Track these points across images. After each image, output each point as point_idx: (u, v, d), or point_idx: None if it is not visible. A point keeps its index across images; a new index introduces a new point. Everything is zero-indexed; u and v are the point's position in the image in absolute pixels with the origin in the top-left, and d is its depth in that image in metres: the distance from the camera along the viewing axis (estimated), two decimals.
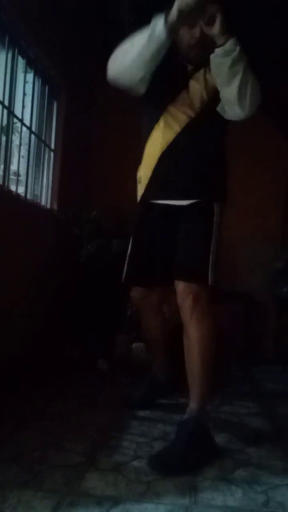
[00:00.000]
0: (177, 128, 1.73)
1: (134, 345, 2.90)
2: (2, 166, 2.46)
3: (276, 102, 3.38)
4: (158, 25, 1.52)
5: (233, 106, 1.64)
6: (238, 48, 1.53)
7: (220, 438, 1.74)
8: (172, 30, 1.53)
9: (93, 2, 3.00)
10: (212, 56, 1.58)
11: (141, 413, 2.00)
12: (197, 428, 1.59)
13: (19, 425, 1.78)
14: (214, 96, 1.70)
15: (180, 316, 1.74)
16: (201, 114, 1.72)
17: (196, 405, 1.64)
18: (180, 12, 1.47)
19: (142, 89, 1.72)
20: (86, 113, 3.58)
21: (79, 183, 3.50)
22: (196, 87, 1.74)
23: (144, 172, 1.83)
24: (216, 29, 1.51)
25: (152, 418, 1.94)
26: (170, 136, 1.74)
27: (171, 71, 1.74)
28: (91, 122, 3.61)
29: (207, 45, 1.61)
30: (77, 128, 3.43)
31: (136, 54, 1.59)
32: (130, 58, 1.61)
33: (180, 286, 1.69)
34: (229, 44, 1.52)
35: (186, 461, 1.48)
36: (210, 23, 1.52)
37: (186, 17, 1.50)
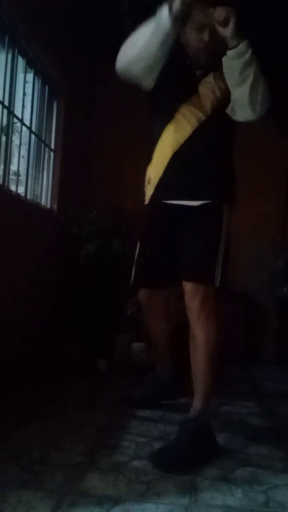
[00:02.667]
0: (189, 130, 1.74)
1: (134, 345, 2.90)
2: (2, 166, 2.46)
3: (277, 102, 3.39)
4: (163, 14, 1.57)
5: (244, 107, 1.66)
6: (250, 50, 1.57)
7: (220, 438, 1.74)
8: (176, 19, 1.57)
9: (93, 2, 3.00)
10: (224, 58, 1.61)
11: (141, 413, 2.00)
12: (199, 428, 1.61)
13: (19, 425, 1.78)
14: (223, 100, 1.73)
15: (182, 316, 1.75)
16: (211, 117, 1.75)
17: (199, 404, 1.66)
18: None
19: (150, 82, 1.73)
20: (86, 113, 3.58)
21: (79, 183, 3.50)
22: (206, 91, 1.76)
23: (154, 173, 1.83)
24: (229, 31, 1.55)
25: (152, 418, 1.94)
26: (182, 137, 1.75)
27: (181, 74, 1.77)
28: (91, 122, 3.61)
29: (216, 50, 1.65)
30: (77, 128, 3.43)
31: (143, 44, 1.62)
32: (138, 47, 1.63)
33: (188, 286, 1.70)
34: (242, 46, 1.56)
35: (186, 459, 1.49)
36: (224, 24, 1.55)
37: (188, 5, 1.56)
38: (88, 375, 2.63)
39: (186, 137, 1.74)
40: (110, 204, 3.26)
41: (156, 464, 1.47)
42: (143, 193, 1.93)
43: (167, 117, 1.78)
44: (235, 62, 1.58)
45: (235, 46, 1.56)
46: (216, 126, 1.75)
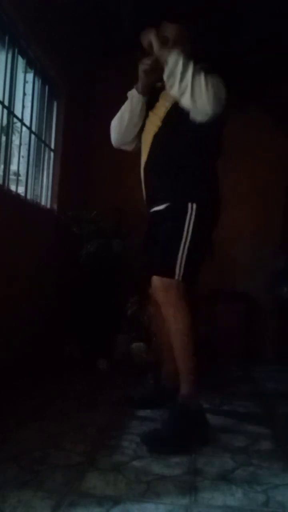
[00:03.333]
0: (149, 141, 1.94)
1: (134, 345, 2.90)
2: (2, 166, 2.46)
3: (277, 101, 3.39)
4: (133, 92, 1.95)
5: (194, 111, 1.75)
6: (180, 60, 1.71)
7: (220, 438, 1.75)
8: (145, 89, 1.93)
9: (93, 2, 3.00)
10: (163, 76, 1.77)
11: (141, 413, 2.00)
12: (186, 411, 1.72)
13: (19, 424, 1.78)
14: (176, 105, 1.82)
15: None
16: (166, 122, 1.88)
17: (185, 389, 1.77)
18: (145, 72, 1.87)
19: (138, 144, 2.05)
20: (86, 113, 3.58)
21: (79, 183, 3.50)
22: (161, 101, 1.93)
23: (143, 187, 2.03)
24: (156, 51, 1.78)
25: (152, 418, 1.93)
26: (147, 150, 1.95)
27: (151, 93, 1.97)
28: (91, 122, 3.61)
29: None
30: (77, 128, 3.43)
31: (126, 119, 1.99)
32: (123, 125, 2.01)
33: (153, 280, 1.83)
34: (170, 61, 1.73)
35: (174, 439, 1.61)
36: (151, 48, 1.79)
37: (150, 74, 1.87)
38: (88, 375, 2.63)
39: (149, 148, 1.94)
40: (110, 204, 3.26)
41: (145, 442, 1.61)
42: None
43: (140, 136, 2.03)
44: (169, 80, 1.74)
45: (165, 61, 1.74)
46: (172, 131, 1.88)
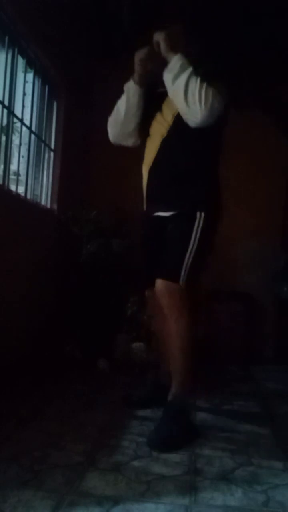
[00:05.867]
0: (157, 145, 1.92)
1: (134, 345, 2.90)
2: (2, 166, 2.46)
3: (277, 102, 3.39)
4: (130, 84, 1.93)
5: (186, 115, 1.77)
6: (180, 62, 1.73)
7: (220, 438, 1.75)
8: (141, 79, 1.90)
9: (93, 2, 3.00)
10: (163, 75, 1.79)
11: (141, 413, 2.00)
12: (178, 410, 1.76)
13: (19, 424, 1.78)
14: None
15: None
16: (174, 129, 1.87)
17: (176, 390, 1.81)
18: (141, 61, 1.85)
19: (137, 141, 2.04)
20: (86, 113, 3.57)
21: (79, 183, 3.50)
22: (167, 104, 1.89)
23: (143, 189, 2.02)
24: (163, 52, 1.77)
25: (152, 418, 1.93)
26: (153, 153, 1.93)
27: (151, 96, 1.96)
28: (91, 122, 3.61)
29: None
30: (77, 128, 3.43)
31: (123, 111, 1.96)
32: (119, 117, 1.98)
33: (157, 284, 1.84)
34: (172, 61, 1.75)
35: (170, 438, 1.65)
36: (158, 47, 1.79)
37: (146, 64, 1.86)
38: (88, 375, 2.63)
39: (156, 153, 1.92)
40: (110, 204, 3.26)
41: (150, 443, 1.64)
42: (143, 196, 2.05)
43: (145, 135, 1.99)
44: (167, 76, 1.77)
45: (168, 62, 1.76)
46: (181, 137, 1.86)
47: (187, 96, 1.72)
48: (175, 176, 1.89)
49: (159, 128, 1.93)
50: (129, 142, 2.08)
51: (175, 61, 1.75)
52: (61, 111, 3.17)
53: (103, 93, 3.53)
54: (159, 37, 1.79)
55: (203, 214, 1.83)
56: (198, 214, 1.83)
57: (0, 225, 2.29)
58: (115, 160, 3.53)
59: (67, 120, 3.21)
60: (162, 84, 1.85)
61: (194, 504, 1.25)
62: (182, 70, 1.74)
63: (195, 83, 1.71)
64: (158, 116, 1.94)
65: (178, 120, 1.84)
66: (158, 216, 1.94)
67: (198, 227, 1.82)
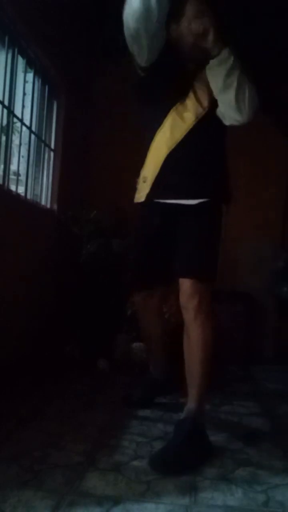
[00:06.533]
0: (185, 127, 1.72)
1: (134, 345, 2.90)
2: (2, 166, 2.46)
3: (277, 102, 3.39)
4: None
5: (231, 113, 1.68)
6: (232, 57, 1.61)
7: (220, 438, 1.75)
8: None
9: (93, 2, 3.00)
10: (207, 67, 1.65)
11: (141, 413, 2.00)
12: (195, 428, 1.60)
13: (19, 424, 1.78)
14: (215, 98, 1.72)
15: (181, 316, 1.74)
16: (208, 114, 1.73)
17: (194, 405, 1.64)
18: (193, 32, 1.60)
19: (149, 56, 1.67)
20: (86, 113, 3.58)
21: (79, 183, 3.50)
22: (201, 87, 1.74)
23: (150, 171, 1.79)
24: (209, 42, 1.60)
25: (152, 418, 1.94)
26: (179, 135, 1.72)
27: (174, 71, 1.75)
28: (91, 122, 3.61)
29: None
30: (77, 128, 3.43)
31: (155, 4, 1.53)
32: (153, 8, 1.53)
33: (186, 285, 1.67)
34: (223, 54, 1.60)
35: (184, 459, 1.48)
36: (204, 36, 1.59)
37: (189, 36, 1.62)
38: (88, 375, 2.63)
39: (184, 135, 1.72)
40: (110, 204, 3.26)
41: (155, 467, 1.45)
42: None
43: (162, 116, 1.75)
44: (218, 70, 1.62)
45: (217, 55, 1.60)
46: (213, 123, 1.74)
47: (237, 95, 1.62)
48: (205, 162, 1.74)
49: (190, 109, 1.73)
50: (145, 51, 1.65)
51: (228, 54, 1.60)
52: (61, 111, 3.17)
53: (103, 93, 3.55)
54: (208, 24, 1.58)
55: (224, 208, 1.75)
56: (223, 206, 1.75)
57: (0, 225, 2.29)
58: (115, 160, 3.54)
59: (67, 120, 3.21)
60: (192, 61, 1.72)
61: (194, 504, 1.25)
62: (235, 65, 1.61)
63: (246, 82, 1.63)
64: (190, 96, 1.73)
65: (212, 106, 1.72)
66: (175, 204, 1.73)
67: (223, 220, 1.74)
